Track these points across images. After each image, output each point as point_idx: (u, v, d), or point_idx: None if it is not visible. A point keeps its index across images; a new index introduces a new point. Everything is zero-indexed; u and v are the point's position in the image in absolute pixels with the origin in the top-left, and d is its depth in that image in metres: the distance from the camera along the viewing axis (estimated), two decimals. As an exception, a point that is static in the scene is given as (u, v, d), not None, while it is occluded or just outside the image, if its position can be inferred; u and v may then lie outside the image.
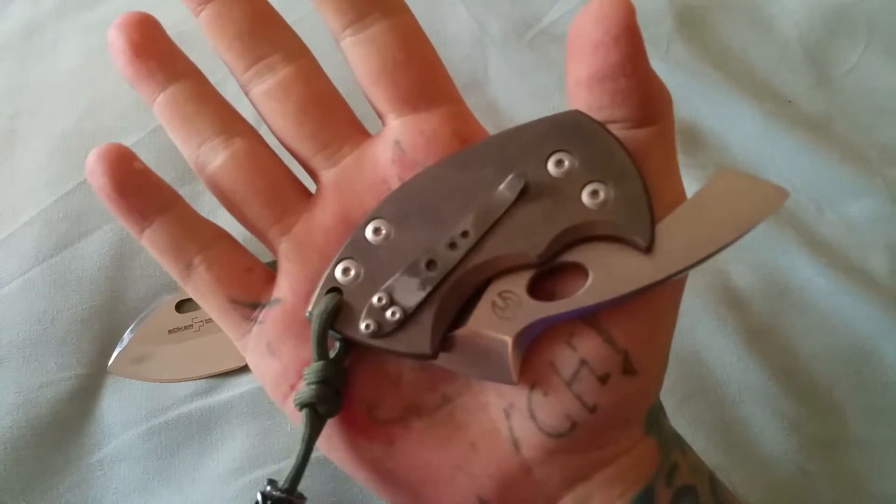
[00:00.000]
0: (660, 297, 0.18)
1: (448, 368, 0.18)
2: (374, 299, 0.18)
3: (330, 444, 0.19)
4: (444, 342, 0.18)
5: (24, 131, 0.36)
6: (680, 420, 0.32)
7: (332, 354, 0.18)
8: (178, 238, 0.19)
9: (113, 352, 0.31)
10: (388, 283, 0.18)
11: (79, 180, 0.34)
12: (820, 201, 0.39)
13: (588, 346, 0.17)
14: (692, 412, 0.31)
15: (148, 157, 0.35)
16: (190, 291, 0.20)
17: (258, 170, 0.19)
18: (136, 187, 0.19)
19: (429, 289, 0.17)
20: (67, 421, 0.29)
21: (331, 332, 0.18)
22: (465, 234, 0.17)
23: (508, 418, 0.18)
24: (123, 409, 0.29)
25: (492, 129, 0.40)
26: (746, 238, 0.39)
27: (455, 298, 0.18)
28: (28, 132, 0.36)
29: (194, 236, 0.19)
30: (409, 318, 0.17)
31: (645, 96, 0.17)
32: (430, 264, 0.17)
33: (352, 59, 0.19)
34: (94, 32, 0.40)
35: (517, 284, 0.17)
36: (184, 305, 0.32)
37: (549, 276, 0.18)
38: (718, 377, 0.32)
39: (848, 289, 0.35)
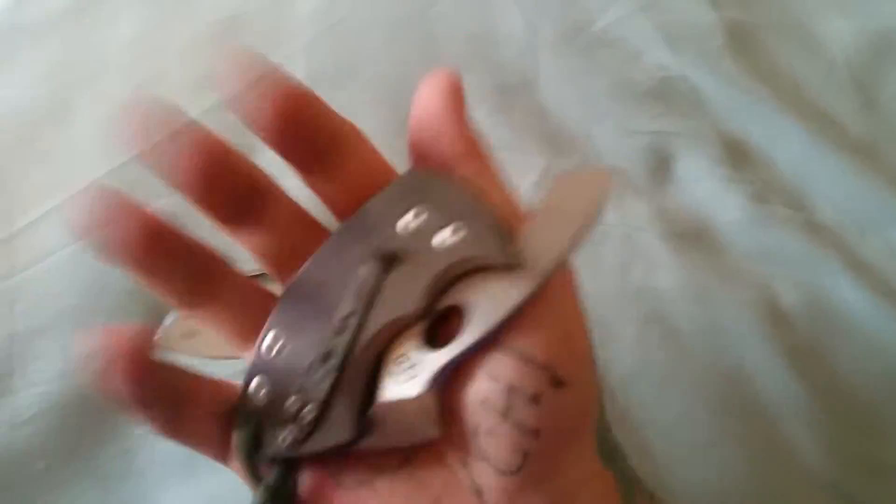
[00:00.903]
0: (555, 302, 0.17)
1: (375, 449, 0.18)
2: (288, 404, 0.18)
3: None
4: (365, 425, 0.18)
5: (79, 102, 0.36)
6: (721, 434, 0.32)
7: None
8: None
9: (161, 325, 0.31)
10: (296, 386, 0.18)
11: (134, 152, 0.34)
12: (863, 224, 0.39)
13: (508, 371, 0.17)
14: (733, 427, 0.31)
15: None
16: None
17: None
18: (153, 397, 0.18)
19: (331, 378, 0.17)
20: (114, 391, 0.29)
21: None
22: (349, 315, 0.18)
23: (466, 466, 0.18)
24: (170, 383, 0.29)
25: (540, 132, 0.41)
26: (791, 256, 0.39)
27: (359, 377, 0.18)
28: (83, 103, 0.36)
29: None
30: (323, 412, 0.18)
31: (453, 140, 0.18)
32: (326, 356, 0.18)
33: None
34: (151, 5, 0.40)
35: (410, 343, 0.18)
36: (233, 284, 0.32)
37: (442, 322, 0.18)
38: (760, 393, 0.32)
39: (890, 314, 0.35)
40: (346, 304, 0.18)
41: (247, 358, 0.19)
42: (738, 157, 0.41)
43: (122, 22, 0.39)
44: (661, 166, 0.40)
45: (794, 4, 0.48)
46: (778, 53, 0.47)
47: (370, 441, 0.18)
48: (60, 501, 0.27)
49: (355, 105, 0.39)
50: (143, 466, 0.28)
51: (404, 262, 0.18)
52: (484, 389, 0.17)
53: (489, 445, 0.17)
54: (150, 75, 0.37)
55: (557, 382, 0.17)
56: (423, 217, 0.18)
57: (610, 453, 0.19)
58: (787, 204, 0.40)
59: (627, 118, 0.41)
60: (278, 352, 0.18)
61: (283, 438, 0.18)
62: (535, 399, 0.17)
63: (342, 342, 0.18)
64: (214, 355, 0.30)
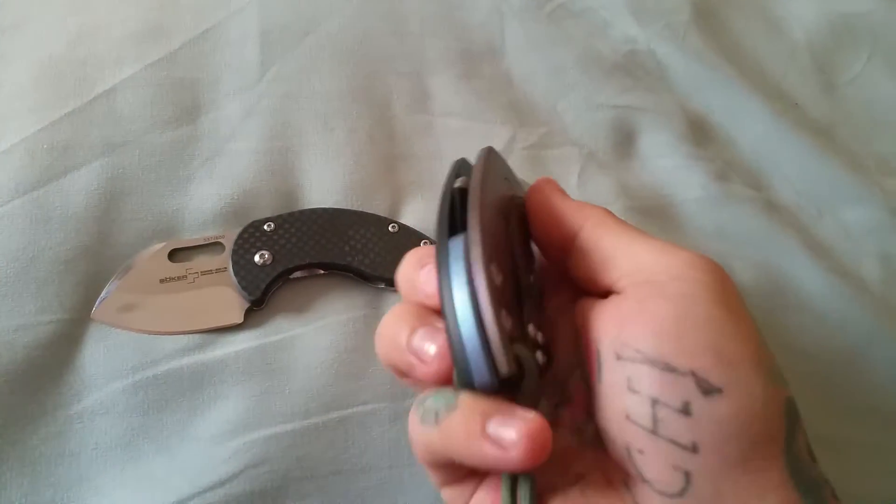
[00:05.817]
0: (696, 307, 0.17)
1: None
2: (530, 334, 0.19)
3: None
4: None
5: (4, 50, 0.33)
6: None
7: None
8: None
9: (98, 297, 0.29)
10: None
11: (67, 109, 0.31)
12: (820, 205, 0.40)
13: (648, 381, 0.16)
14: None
15: (144, 93, 0.33)
16: None
17: None
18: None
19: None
20: (45, 368, 0.27)
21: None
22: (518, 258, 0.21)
23: (630, 489, 0.17)
24: (108, 359, 0.27)
25: (505, 101, 0.39)
26: (750, 235, 0.39)
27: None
28: (9, 51, 0.33)
29: None
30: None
31: None
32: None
33: None
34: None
35: None
36: (178, 254, 0.30)
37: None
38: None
39: (843, 293, 0.36)
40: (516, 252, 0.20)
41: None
42: (701, 134, 0.41)
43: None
44: (625, 141, 0.39)
45: (759, -18, 0.48)
46: (742, 32, 0.47)
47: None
48: (-16, 487, 0.25)
49: (312, 63, 0.37)
50: (77, 449, 0.26)
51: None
52: (625, 404, 0.16)
53: (644, 465, 0.16)
54: (86, 27, 0.34)
55: (707, 389, 0.15)
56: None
57: (812, 488, 0.17)
58: (747, 183, 0.40)
59: (593, 91, 0.40)
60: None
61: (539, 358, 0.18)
62: (685, 409, 0.15)
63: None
64: (150, 330, 0.28)
